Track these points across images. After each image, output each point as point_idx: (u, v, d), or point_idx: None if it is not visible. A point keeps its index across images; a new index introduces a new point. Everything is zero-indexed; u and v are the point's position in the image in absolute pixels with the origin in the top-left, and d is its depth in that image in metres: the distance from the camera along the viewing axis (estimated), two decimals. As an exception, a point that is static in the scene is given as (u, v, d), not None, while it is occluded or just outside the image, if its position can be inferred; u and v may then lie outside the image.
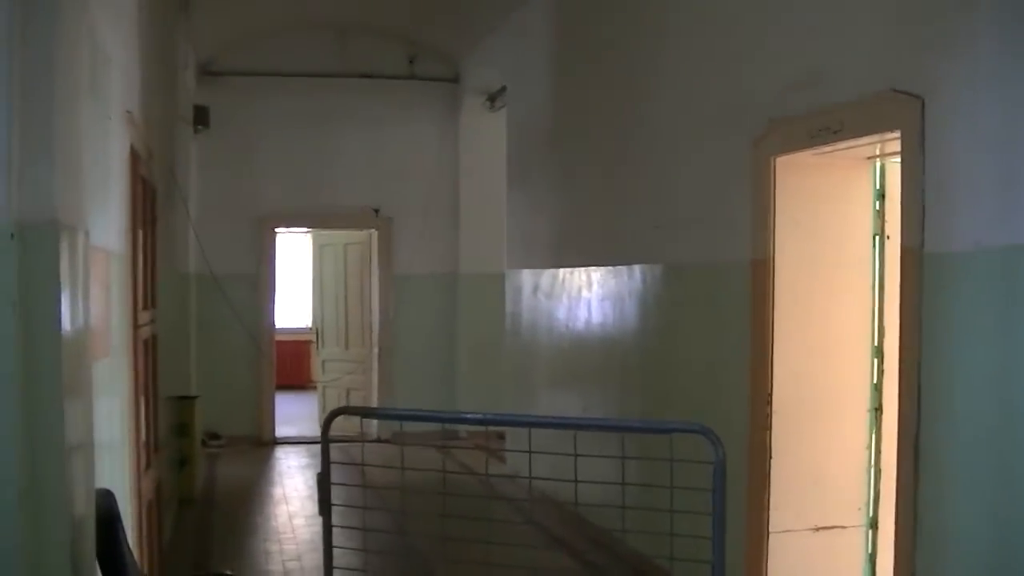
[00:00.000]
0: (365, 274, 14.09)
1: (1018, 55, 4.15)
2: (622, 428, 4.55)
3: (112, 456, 4.48)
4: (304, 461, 12.24)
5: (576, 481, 4.47)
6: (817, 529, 6.02)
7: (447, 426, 12.29)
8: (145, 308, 6.21)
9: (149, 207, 6.63)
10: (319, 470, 4.49)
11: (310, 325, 15.96)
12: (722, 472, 3.92)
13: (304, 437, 13.71)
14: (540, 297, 10.24)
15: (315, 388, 15.86)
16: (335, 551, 4.51)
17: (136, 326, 5.61)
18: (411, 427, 10.75)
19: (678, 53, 7.26)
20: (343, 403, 13.68)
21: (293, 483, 11.00)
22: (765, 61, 6.11)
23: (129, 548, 3.66)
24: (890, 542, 5.00)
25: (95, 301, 3.78)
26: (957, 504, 4.47)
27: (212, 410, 12.39)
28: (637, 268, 7.89)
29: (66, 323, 2.72)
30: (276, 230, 13.83)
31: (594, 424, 5.20)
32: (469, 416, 4.84)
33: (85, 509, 3.02)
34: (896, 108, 4.82)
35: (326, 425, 4.51)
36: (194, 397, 10.28)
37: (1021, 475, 4.11)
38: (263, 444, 13.35)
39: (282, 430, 13.84)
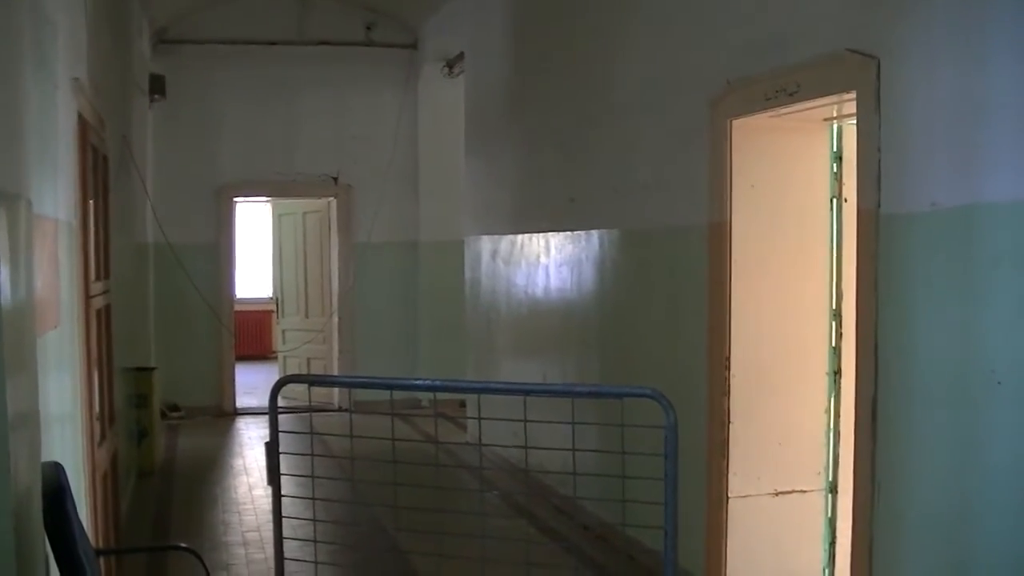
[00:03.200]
0: (325, 242, 14.00)
1: (973, 14, 4.13)
2: (572, 393, 4.49)
3: (64, 429, 4.43)
4: (265, 432, 12.16)
5: (527, 447, 4.45)
6: (777, 494, 6.02)
7: (412, 394, 12.27)
8: (98, 279, 6.14)
9: (101, 177, 6.54)
10: (267, 439, 4.45)
11: (270, 295, 15.88)
12: (674, 437, 3.88)
13: (265, 408, 13.59)
14: (499, 263, 10.20)
15: (276, 358, 15.79)
16: (288, 521, 4.47)
17: (88, 297, 5.54)
18: (371, 396, 10.81)
19: (638, 17, 7.20)
20: (304, 372, 13.64)
21: (254, 454, 10.93)
22: (724, 23, 6.07)
23: (79, 520, 3.62)
24: (849, 506, 5.01)
25: (42, 271, 3.72)
26: (916, 467, 4.47)
27: (172, 382, 12.33)
28: (595, 233, 7.86)
29: (6, 293, 2.66)
30: (235, 200, 13.68)
31: (544, 390, 5.15)
32: (419, 383, 4.79)
33: (30, 482, 2.97)
34: (851, 68, 4.79)
35: (274, 394, 4.48)
36: (152, 368, 10.20)
37: (980, 436, 4.11)
38: (224, 415, 13.26)
39: (243, 400, 13.75)
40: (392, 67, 13.70)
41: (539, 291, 9.13)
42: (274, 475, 4.34)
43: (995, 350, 4.02)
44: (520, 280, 9.62)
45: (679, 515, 3.92)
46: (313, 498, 4.90)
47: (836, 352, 5.92)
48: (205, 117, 13.12)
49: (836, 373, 5.92)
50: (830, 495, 6.01)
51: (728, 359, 5.95)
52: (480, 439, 4.37)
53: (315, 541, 4.72)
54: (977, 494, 4.12)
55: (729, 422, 5.98)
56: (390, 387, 4.38)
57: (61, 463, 3.59)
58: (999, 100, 4.01)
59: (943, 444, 4.30)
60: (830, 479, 6.00)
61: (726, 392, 5.96)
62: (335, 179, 13.58)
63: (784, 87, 5.35)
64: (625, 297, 7.46)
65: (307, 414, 7.49)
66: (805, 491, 6.03)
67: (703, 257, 6.18)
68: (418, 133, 13.77)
